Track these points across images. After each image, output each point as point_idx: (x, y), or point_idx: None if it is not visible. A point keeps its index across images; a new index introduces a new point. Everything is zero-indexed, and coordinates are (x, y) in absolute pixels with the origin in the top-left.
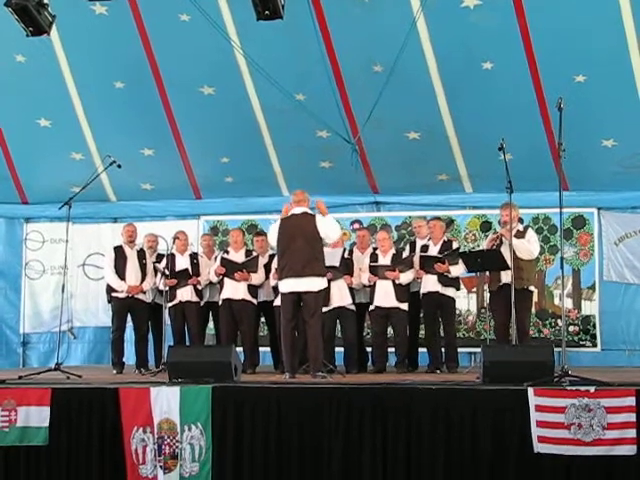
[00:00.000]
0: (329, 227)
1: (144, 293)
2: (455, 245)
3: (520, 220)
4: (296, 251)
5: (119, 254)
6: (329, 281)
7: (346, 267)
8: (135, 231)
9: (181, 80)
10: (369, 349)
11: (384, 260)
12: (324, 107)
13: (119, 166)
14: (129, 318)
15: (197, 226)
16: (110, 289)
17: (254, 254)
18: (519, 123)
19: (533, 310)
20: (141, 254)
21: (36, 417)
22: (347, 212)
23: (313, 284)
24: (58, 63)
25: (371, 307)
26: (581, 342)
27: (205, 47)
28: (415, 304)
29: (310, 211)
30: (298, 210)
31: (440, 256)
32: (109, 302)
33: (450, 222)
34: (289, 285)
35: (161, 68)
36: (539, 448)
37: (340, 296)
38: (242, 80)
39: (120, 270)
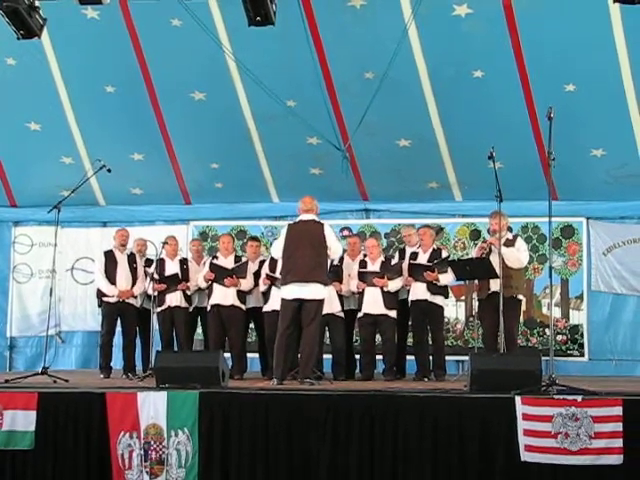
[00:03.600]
0: (337, 242)
1: (135, 297)
2: (444, 253)
3: (509, 229)
4: (302, 257)
5: (109, 258)
6: None
7: (335, 274)
8: (128, 236)
9: (172, 85)
10: (357, 356)
11: (373, 267)
12: (315, 114)
13: (109, 170)
14: (119, 322)
15: (186, 231)
16: (101, 294)
17: (243, 260)
18: (509, 132)
19: (521, 319)
20: (131, 258)
21: (22, 421)
22: (337, 219)
23: (316, 292)
24: (49, 67)
25: (359, 314)
26: (569, 351)
27: (196, 52)
28: (404, 311)
29: (318, 219)
30: (307, 217)
31: (429, 264)
32: (99, 306)
33: (439, 230)
34: (292, 291)
35: (152, 73)
36: (526, 457)
37: (329, 303)
38: (233, 86)
39: (111, 275)
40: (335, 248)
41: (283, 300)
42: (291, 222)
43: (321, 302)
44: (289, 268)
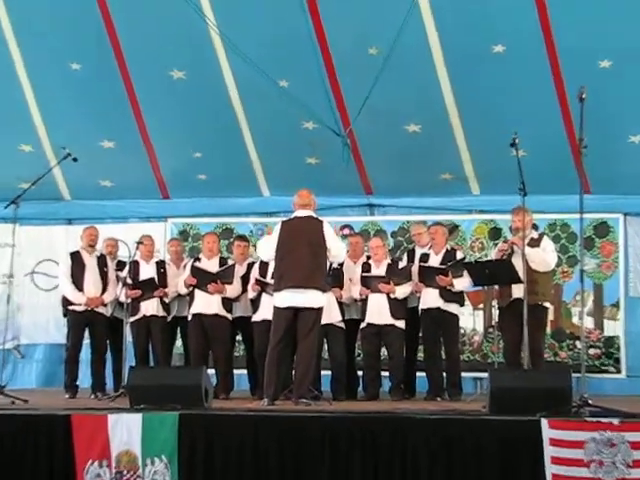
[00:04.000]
0: (338, 242)
1: (105, 306)
2: (459, 255)
3: (534, 226)
4: (298, 259)
5: (76, 261)
6: None
7: (335, 278)
8: (97, 235)
9: (147, 62)
10: (360, 373)
11: (378, 271)
12: (311, 95)
13: (75, 160)
14: (86, 334)
15: (164, 229)
16: (66, 301)
17: (230, 262)
18: (534, 115)
19: (548, 330)
20: (101, 261)
21: None
22: (336, 215)
23: (314, 299)
24: (5, 41)
25: (363, 324)
26: (603, 367)
27: (175, 24)
28: (413, 321)
29: (316, 215)
30: (303, 213)
31: (442, 267)
32: (65, 316)
33: (454, 228)
34: (286, 299)
35: (124, 48)
36: None
37: (328, 312)
38: (217, 63)
39: (78, 279)
40: (336, 249)
41: (276, 309)
42: (285, 218)
43: (319, 311)
44: (283, 272)
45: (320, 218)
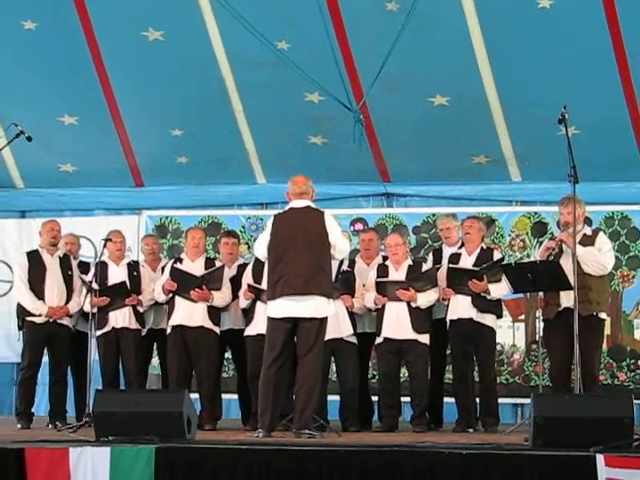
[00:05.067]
0: (341, 236)
1: (70, 317)
2: (497, 255)
3: (587, 221)
4: (296, 259)
5: (35, 263)
6: None
7: (345, 284)
8: (60, 230)
9: (116, 20)
10: (375, 398)
11: (396, 274)
12: (316, 60)
13: (29, 139)
14: (46, 351)
15: (137, 224)
16: (23, 311)
17: (217, 264)
18: (588, 84)
19: (604, 346)
20: (65, 262)
21: None
22: (346, 207)
23: (317, 308)
24: None
25: (378, 340)
26: None
27: None
28: (439, 336)
29: (315, 206)
30: (299, 204)
31: (476, 269)
32: (20, 329)
33: (490, 222)
34: (283, 308)
35: (88, 3)
36: None
37: (336, 324)
38: (202, 21)
39: (37, 285)
40: (340, 245)
41: (270, 320)
42: (279, 212)
43: (323, 322)
44: (278, 276)
45: (320, 209)
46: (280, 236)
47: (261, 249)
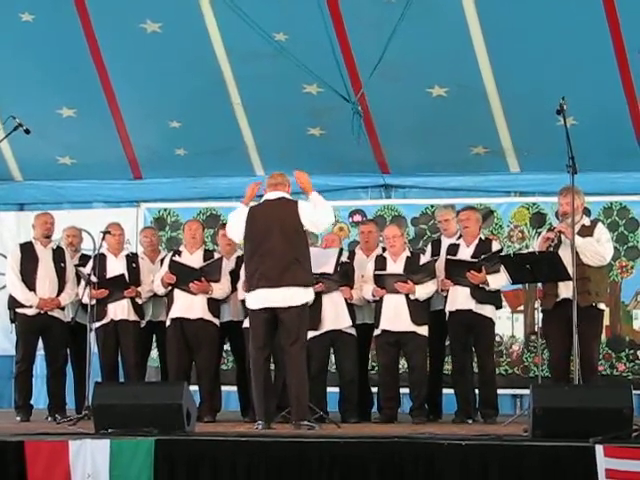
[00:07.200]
0: (317, 211)
1: (62, 309)
2: (496, 246)
3: (586, 211)
4: (271, 251)
5: (27, 254)
6: (320, 294)
7: (344, 275)
8: (53, 222)
9: (115, 12)
10: (374, 389)
11: (395, 266)
12: (314, 52)
13: (27, 131)
14: (41, 344)
15: (136, 216)
16: (14, 303)
17: (216, 256)
18: (586, 75)
19: (603, 337)
20: (58, 254)
21: None
22: (345, 199)
23: (294, 297)
24: None
25: (377, 331)
26: None
27: None
28: (438, 327)
29: (289, 196)
30: (273, 195)
31: (475, 260)
32: (12, 321)
33: (489, 213)
34: (261, 298)
35: None
36: None
37: (335, 316)
38: (200, 13)
39: (29, 276)
40: (317, 219)
41: (251, 312)
42: (254, 204)
43: (303, 309)
44: (254, 268)
45: (294, 199)
46: (255, 228)
47: (234, 233)
